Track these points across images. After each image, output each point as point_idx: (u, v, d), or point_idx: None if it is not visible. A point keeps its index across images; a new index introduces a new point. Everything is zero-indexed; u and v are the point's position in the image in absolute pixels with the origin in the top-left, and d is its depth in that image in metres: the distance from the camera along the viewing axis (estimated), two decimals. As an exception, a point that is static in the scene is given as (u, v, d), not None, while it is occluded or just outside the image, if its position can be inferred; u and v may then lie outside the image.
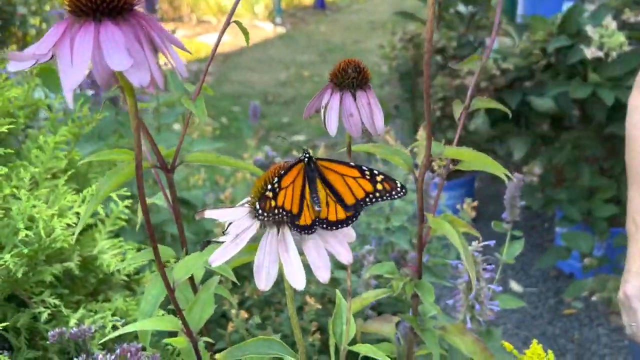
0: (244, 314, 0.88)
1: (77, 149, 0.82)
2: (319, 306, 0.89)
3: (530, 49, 1.79)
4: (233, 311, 0.88)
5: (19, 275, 0.63)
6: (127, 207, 0.79)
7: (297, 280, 0.33)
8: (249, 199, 0.36)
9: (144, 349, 0.52)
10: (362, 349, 0.51)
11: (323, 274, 0.34)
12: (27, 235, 0.63)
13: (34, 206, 0.67)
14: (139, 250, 0.80)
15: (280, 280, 0.35)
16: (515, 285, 1.96)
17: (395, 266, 0.58)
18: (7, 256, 0.61)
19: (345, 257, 0.35)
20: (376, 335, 0.69)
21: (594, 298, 1.85)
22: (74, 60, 0.31)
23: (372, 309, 0.93)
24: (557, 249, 1.84)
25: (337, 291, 0.55)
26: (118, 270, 0.78)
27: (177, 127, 1.95)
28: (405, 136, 2.27)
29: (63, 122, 0.84)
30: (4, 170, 0.65)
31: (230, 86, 4.06)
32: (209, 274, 0.55)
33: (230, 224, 0.36)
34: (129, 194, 0.77)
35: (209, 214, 0.37)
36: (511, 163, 2.05)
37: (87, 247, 0.77)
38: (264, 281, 0.34)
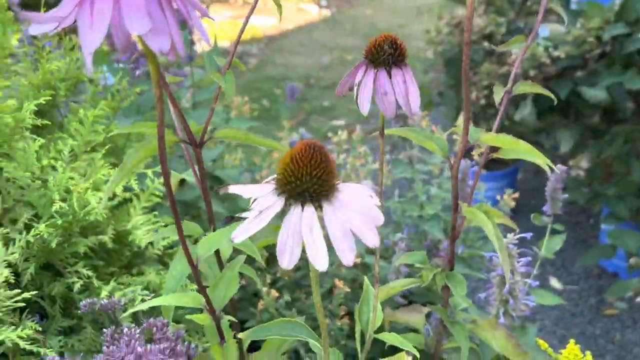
0: (274, 293, 0.88)
1: (116, 122, 0.83)
2: (348, 290, 0.88)
3: (584, 37, 1.71)
4: (264, 289, 0.88)
5: (53, 245, 0.64)
6: (162, 183, 0.80)
7: (319, 260, 0.32)
8: (275, 176, 0.36)
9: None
10: (388, 337, 0.50)
11: (347, 256, 0.33)
12: (61, 207, 0.64)
13: (71, 178, 0.68)
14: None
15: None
16: (555, 282, 1.90)
17: (426, 255, 0.56)
18: (42, 226, 0.62)
19: (372, 240, 0.34)
20: (405, 325, 0.68)
21: (638, 299, 1.77)
22: (94, 23, 0.31)
23: (403, 298, 0.92)
24: (601, 247, 1.77)
25: (365, 277, 0.53)
26: (151, 244, 0.79)
27: (218, 107, 1.96)
28: (449, 124, 2.22)
29: (103, 96, 0.85)
30: (41, 141, 0.66)
31: (273, 69, 4.06)
32: (238, 252, 0.54)
33: (254, 200, 0.35)
34: (164, 170, 0.78)
35: (232, 189, 0.36)
36: (557, 156, 1.98)
37: (122, 221, 0.78)
38: (287, 260, 0.34)
